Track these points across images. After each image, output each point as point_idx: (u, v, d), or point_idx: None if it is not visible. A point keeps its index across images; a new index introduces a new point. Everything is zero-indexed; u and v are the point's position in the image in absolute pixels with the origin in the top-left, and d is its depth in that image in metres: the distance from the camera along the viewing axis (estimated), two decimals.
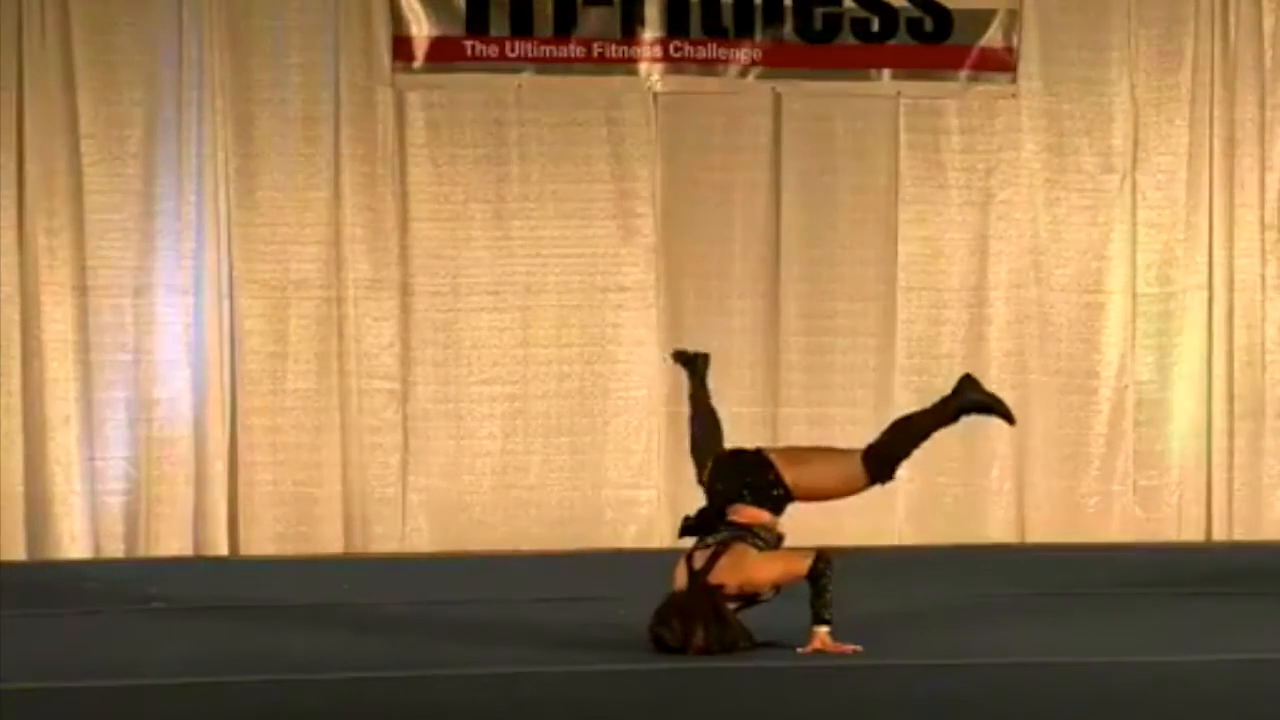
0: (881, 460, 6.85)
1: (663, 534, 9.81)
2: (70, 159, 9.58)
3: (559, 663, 6.56)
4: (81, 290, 9.61)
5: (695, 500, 10.06)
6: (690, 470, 9.51)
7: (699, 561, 6.71)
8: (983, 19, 10.06)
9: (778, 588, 6.71)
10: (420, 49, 9.81)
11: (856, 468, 6.83)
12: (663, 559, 9.00)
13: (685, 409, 9.87)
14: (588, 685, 6.33)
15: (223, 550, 9.62)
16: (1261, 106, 10.17)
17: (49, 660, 6.78)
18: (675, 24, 9.92)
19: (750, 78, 10.00)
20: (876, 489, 7.00)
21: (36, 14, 9.49)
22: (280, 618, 7.69)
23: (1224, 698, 6.16)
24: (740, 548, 6.71)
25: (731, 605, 6.65)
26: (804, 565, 6.62)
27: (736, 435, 9.87)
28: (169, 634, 7.36)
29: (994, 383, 10.09)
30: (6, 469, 9.49)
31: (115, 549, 9.57)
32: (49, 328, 9.57)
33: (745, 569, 6.68)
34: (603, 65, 9.92)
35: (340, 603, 8.05)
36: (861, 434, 10.00)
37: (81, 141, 9.58)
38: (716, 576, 6.65)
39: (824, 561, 6.63)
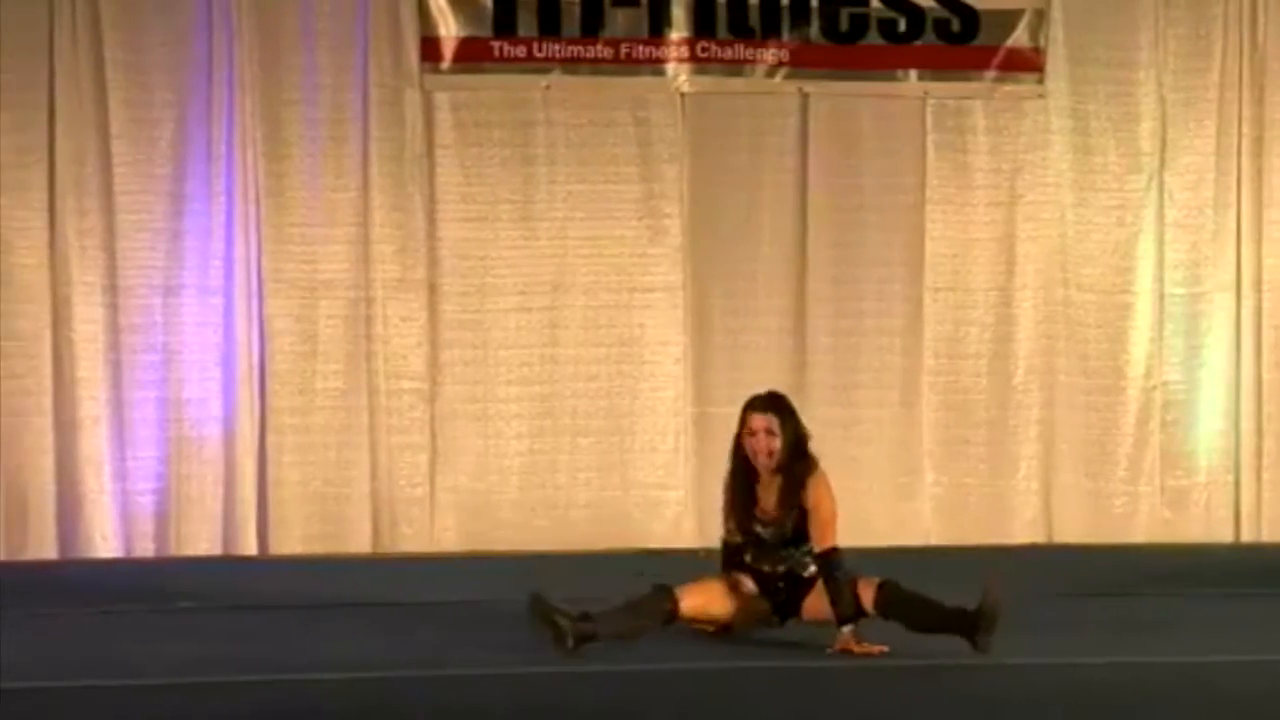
0: (889, 603, 6.75)
1: (689, 534, 9.83)
2: (100, 159, 9.62)
3: (577, 663, 6.57)
4: (112, 290, 9.64)
5: (720, 501, 10.15)
6: (715, 468, 9.54)
7: None
8: (1010, 19, 10.05)
9: (801, 516, 6.80)
10: (448, 50, 9.83)
11: (869, 593, 6.78)
12: (690, 558, 9.06)
13: (711, 409, 9.98)
14: (602, 686, 6.34)
15: (252, 550, 9.65)
16: None
17: (78, 658, 6.83)
18: (702, 24, 9.93)
19: (777, 78, 10.01)
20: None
21: (67, 15, 9.53)
22: (308, 617, 7.73)
23: (1253, 698, 6.16)
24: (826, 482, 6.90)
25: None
26: (830, 536, 6.75)
27: None
28: (198, 633, 7.39)
29: (1021, 383, 10.13)
30: (37, 468, 9.53)
31: (145, 548, 9.61)
32: (79, 327, 9.60)
33: (821, 482, 6.84)
34: (630, 66, 9.92)
35: (368, 602, 8.08)
36: (888, 434, 10.08)
37: (112, 142, 9.61)
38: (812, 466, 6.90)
39: (838, 552, 6.75)
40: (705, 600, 6.92)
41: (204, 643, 7.12)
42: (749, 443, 6.93)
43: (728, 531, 7.09)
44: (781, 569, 6.95)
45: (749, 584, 6.98)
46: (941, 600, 6.75)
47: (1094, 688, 6.38)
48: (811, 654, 6.75)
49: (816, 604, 6.87)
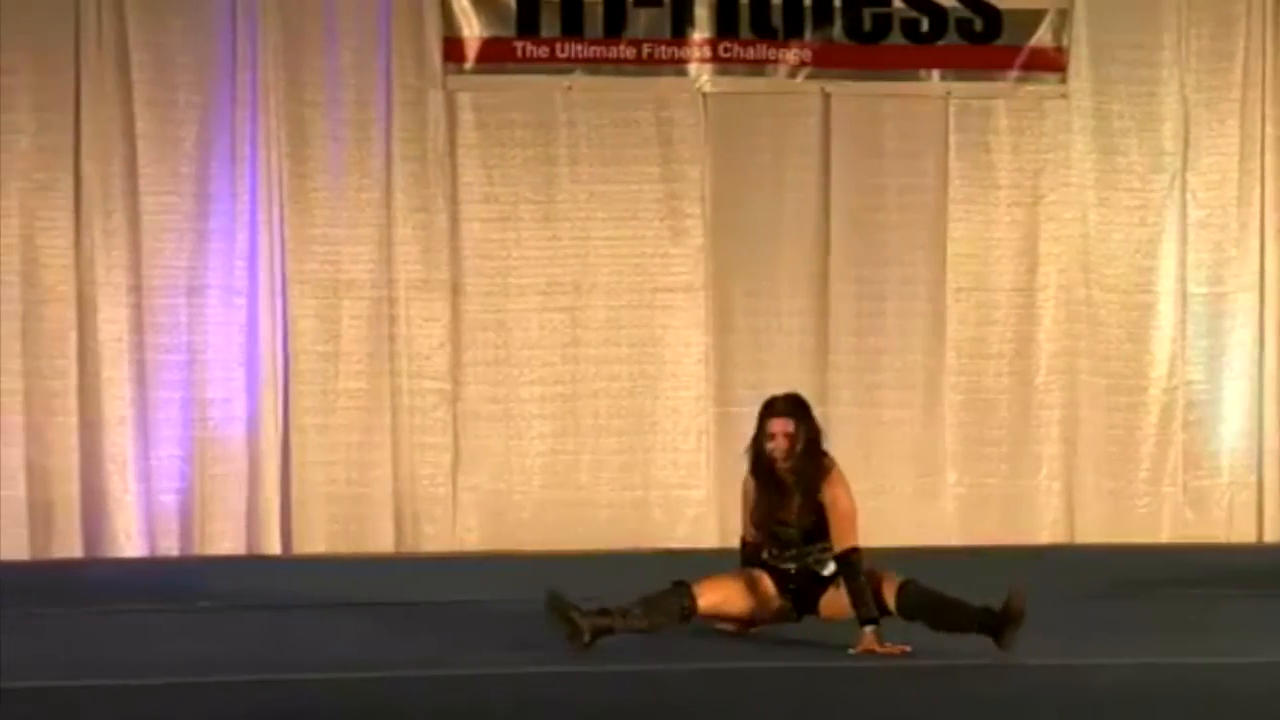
0: (911, 604, 6.75)
1: (712, 534, 9.84)
2: (126, 160, 9.66)
3: (585, 663, 6.58)
4: (136, 290, 9.68)
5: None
6: (738, 468, 9.51)
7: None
8: (1033, 19, 10.05)
9: (819, 515, 6.82)
10: (471, 50, 9.86)
11: (891, 592, 6.79)
12: (712, 558, 9.07)
13: (733, 409, 9.99)
14: (610, 686, 6.34)
15: (275, 549, 9.69)
16: None
17: (102, 657, 6.86)
18: (725, 24, 9.94)
19: (800, 78, 10.01)
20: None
21: (93, 16, 9.57)
22: (331, 616, 7.76)
23: (1275, 700, 6.15)
24: (843, 479, 6.90)
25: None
26: (850, 536, 6.76)
27: None
28: (220, 633, 7.42)
29: (1043, 383, 10.12)
30: (62, 468, 9.58)
31: (169, 548, 9.65)
32: (104, 328, 9.65)
33: (837, 480, 6.86)
34: (652, 66, 9.94)
35: (390, 602, 8.10)
36: (910, 434, 10.07)
37: (137, 142, 9.65)
38: (828, 465, 6.92)
39: (859, 553, 6.77)
40: (724, 597, 6.93)
41: (226, 642, 7.15)
42: (767, 445, 6.95)
43: (746, 531, 7.12)
44: (797, 567, 6.96)
45: (767, 581, 7.00)
46: (963, 599, 6.75)
47: (1115, 689, 6.38)
48: (826, 654, 6.75)
49: (835, 601, 6.89)
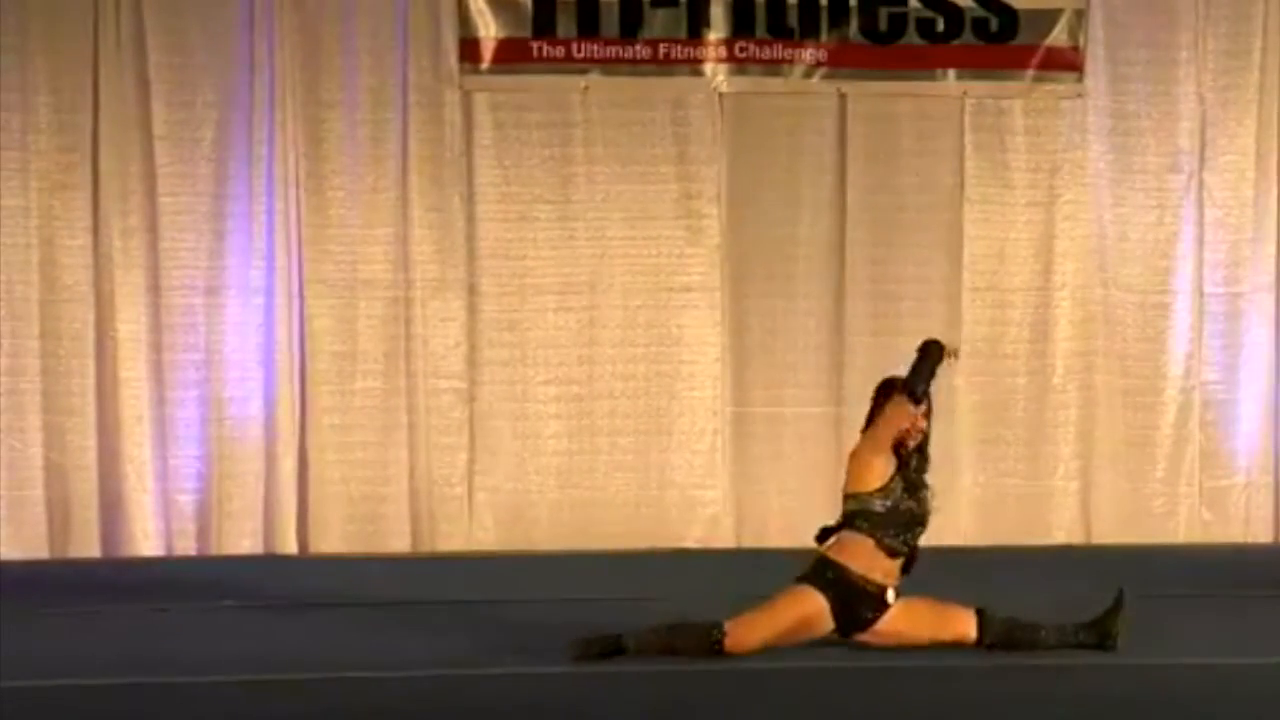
0: (1001, 634, 6.79)
1: (727, 534, 9.85)
2: (144, 161, 9.69)
3: (605, 664, 6.59)
4: (154, 290, 9.72)
5: (759, 501, 10.10)
6: (753, 468, 9.46)
7: None
8: (1049, 18, 10.04)
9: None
10: (487, 50, 9.88)
11: (970, 623, 6.80)
12: (728, 558, 9.08)
13: (748, 409, 9.99)
14: (633, 686, 6.36)
15: (292, 548, 9.72)
16: None
17: (118, 655, 6.89)
18: (741, 24, 9.95)
19: (815, 78, 10.01)
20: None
21: (111, 18, 9.60)
22: (347, 616, 7.78)
23: None
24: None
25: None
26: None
27: (801, 436, 9.98)
28: (237, 631, 7.45)
29: (1059, 383, 10.12)
30: (80, 467, 9.62)
31: (187, 546, 9.69)
32: (122, 328, 9.68)
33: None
34: (668, 66, 9.95)
35: (407, 601, 8.13)
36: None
37: (155, 143, 9.68)
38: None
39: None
40: (762, 640, 6.69)
41: (242, 641, 7.18)
42: (917, 425, 7.01)
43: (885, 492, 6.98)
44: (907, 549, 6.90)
45: (817, 605, 6.75)
46: (1038, 621, 6.76)
47: (1129, 689, 6.38)
48: (829, 655, 6.75)
49: (883, 629, 6.77)
